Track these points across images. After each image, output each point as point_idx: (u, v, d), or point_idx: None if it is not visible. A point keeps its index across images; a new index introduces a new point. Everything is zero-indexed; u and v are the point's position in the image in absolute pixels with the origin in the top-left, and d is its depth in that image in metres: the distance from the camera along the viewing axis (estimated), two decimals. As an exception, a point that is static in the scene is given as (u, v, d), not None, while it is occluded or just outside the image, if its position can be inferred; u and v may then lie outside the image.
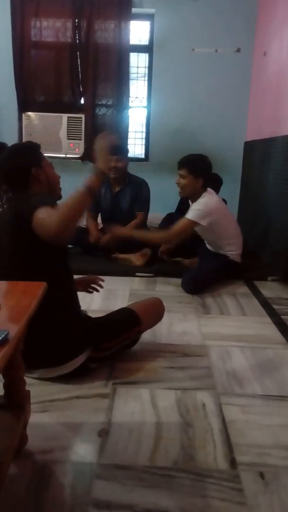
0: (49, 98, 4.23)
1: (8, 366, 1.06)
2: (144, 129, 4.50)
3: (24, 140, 4.09)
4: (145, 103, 4.44)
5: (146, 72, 4.39)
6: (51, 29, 4.09)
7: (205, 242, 2.94)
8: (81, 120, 4.22)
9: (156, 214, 3.59)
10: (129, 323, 1.68)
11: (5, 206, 1.53)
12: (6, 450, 1.03)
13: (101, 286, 1.94)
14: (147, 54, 4.32)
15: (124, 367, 1.69)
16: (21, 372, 1.18)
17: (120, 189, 3.28)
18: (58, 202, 1.47)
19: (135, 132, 4.53)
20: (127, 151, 3.36)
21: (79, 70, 4.17)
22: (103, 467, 1.17)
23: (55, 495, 1.08)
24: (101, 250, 3.14)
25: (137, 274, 2.92)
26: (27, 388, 1.22)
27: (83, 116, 4.22)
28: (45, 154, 1.64)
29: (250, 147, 4.07)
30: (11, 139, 3.53)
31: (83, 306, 1.77)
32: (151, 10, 4.12)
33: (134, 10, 4.05)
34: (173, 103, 4.25)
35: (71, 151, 4.28)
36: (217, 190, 3.40)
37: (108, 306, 2.23)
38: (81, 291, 1.86)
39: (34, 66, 4.14)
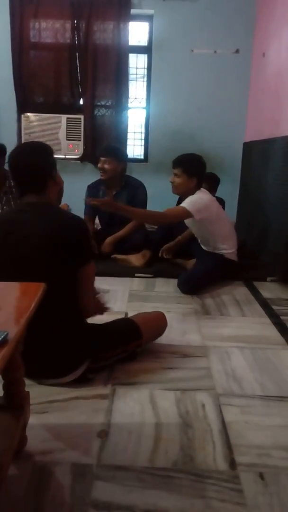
0: (48, 99, 4.24)
1: (7, 367, 1.06)
2: (143, 130, 4.52)
3: (23, 141, 4.09)
4: (144, 104, 4.45)
5: (145, 73, 4.40)
6: (50, 30, 4.10)
7: (199, 241, 2.94)
8: (80, 121, 4.23)
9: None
10: (129, 335, 1.67)
11: (5, 207, 1.51)
12: (6, 451, 1.03)
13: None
14: (146, 55, 4.33)
15: (124, 368, 1.69)
16: (21, 373, 1.17)
17: (116, 192, 3.28)
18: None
19: (134, 133, 4.54)
20: (123, 154, 3.33)
21: (78, 71, 4.18)
22: (102, 468, 1.17)
23: (55, 496, 1.08)
24: (100, 253, 3.14)
25: (136, 274, 2.91)
26: (26, 389, 1.22)
27: (82, 117, 4.22)
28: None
29: (249, 148, 4.07)
30: (10, 140, 3.55)
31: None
32: (150, 11, 4.13)
33: (133, 11, 4.06)
34: (172, 104, 4.26)
35: (70, 152, 4.29)
36: (214, 189, 3.41)
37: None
38: None
39: (33, 67, 4.15)
